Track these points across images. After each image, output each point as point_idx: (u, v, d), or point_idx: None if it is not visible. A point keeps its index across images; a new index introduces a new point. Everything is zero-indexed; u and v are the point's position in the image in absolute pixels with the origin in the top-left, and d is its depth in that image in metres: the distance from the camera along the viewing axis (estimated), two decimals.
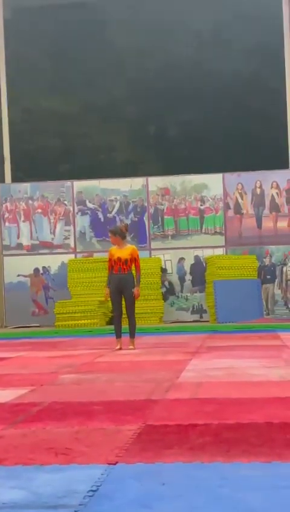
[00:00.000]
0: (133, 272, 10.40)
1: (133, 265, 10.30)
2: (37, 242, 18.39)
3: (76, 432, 4.38)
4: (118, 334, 10.37)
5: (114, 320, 10.58)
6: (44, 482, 3.30)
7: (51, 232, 18.38)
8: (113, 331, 10.58)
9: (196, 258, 17.86)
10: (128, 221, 17.95)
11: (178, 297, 17.89)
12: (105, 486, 3.21)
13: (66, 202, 18.38)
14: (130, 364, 8.20)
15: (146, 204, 18.16)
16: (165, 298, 17.66)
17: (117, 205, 18.26)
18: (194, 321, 17.40)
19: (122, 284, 10.19)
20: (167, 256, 17.92)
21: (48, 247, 18.34)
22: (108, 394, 5.88)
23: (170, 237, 18.04)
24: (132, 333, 10.35)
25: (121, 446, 3.94)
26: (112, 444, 4.01)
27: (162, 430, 4.35)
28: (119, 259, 10.21)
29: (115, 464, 3.58)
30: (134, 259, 10.29)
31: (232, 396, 5.58)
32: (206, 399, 5.45)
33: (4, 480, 3.36)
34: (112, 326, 10.99)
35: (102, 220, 18.19)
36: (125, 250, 10.29)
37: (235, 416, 4.71)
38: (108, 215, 18.21)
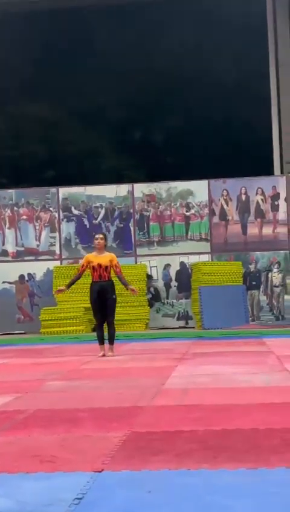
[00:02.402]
0: (113, 279, 10.42)
1: (114, 271, 10.32)
2: (22, 249, 18.34)
3: (62, 440, 4.35)
4: (101, 340, 10.38)
5: (96, 327, 10.60)
6: (29, 490, 3.27)
7: (36, 239, 18.33)
8: (96, 338, 10.59)
9: (182, 264, 17.86)
10: (113, 228, 17.95)
11: (164, 303, 17.89)
12: (91, 494, 3.19)
13: (51, 209, 18.34)
14: (116, 371, 8.18)
15: (132, 210, 18.15)
16: (150, 305, 17.64)
17: (103, 212, 18.24)
18: (180, 327, 17.39)
19: (103, 291, 10.18)
20: (152, 263, 17.91)
21: (33, 253, 18.29)
22: (94, 401, 5.86)
23: (155, 244, 18.04)
24: (111, 340, 10.35)
25: (107, 453, 3.91)
26: (98, 451, 3.99)
27: (148, 437, 4.33)
28: (99, 265, 10.19)
29: (100, 472, 3.55)
30: (114, 265, 10.29)
31: (218, 402, 5.57)
32: (193, 405, 5.43)
33: None
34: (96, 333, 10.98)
35: (87, 226, 18.17)
36: (104, 257, 10.29)
37: (221, 422, 4.70)
38: (94, 221, 18.19)
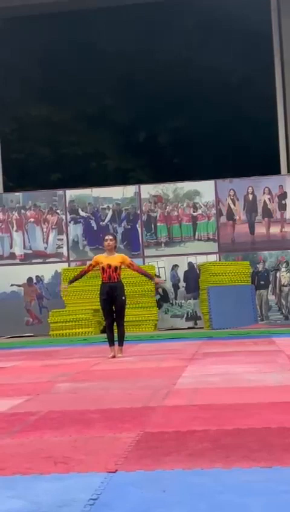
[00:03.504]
0: (123, 280, 10.47)
1: (131, 270, 10.46)
2: (30, 251, 18.36)
3: (74, 441, 4.35)
4: (111, 342, 10.38)
5: (106, 328, 10.61)
6: (43, 491, 3.27)
7: (43, 241, 18.35)
8: (107, 340, 10.59)
9: (190, 264, 17.86)
10: (121, 229, 17.96)
11: (172, 304, 17.88)
12: (105, 494, 3.19)
13: (58, 211, 18.36)
14: (126, 372, 8.17)
15: (139, 212, 18.16)
16: (159, 305, 17.64)
17: (110, 213, 18.25)
18: (188, 328, 17.38)
19: (113, 292, 10.18)
20: (160, 264, 17.91)
21: (41, 256, 18.31)
22: (105, 402, 5.85)
23: (163, 244, 18.03)
24: (121, 341, 10.36)
25: (120, 454, 3.91)
26: (111, 451, 3.98)
27: (161, 437, 4.33)
28: (109, 266, 10.19)
29: (114, 472, 3.55)
30: (128, 265, 10.32)
31: (229, 402, 5.56)
32: (204, 405, 5.42)
33: (3, 490, 3.32)
34: (106, 335, 10.98)
35: (95, 228, 18.18)
36: (114, 258, 10.30)
37: (233, 421, 4.69)
38: (101, 223, 18.20)
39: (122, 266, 10.39)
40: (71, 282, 10.96)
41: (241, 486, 3.23)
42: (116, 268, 10.21)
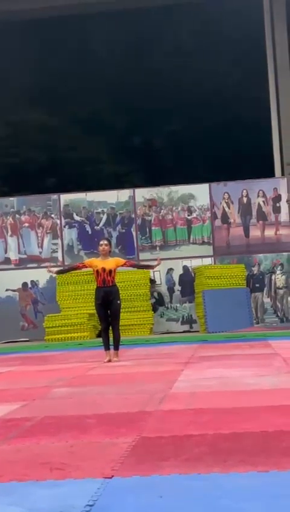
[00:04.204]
0: (118, 284, 10.50)
1: (127, 266, 10.57)
2: (25, 256, 18.34)
3: (70, 446, 4.33)
4: (107, 346, 10.37)
5: (102, 332, 10.60)
6: (40, 498, 3.25)
7: (38, 246, 18.33)
8: (102, 344, 10.59)
9: (185, 268, 17.85)
10: (116, 233, 17.96)
11: (168, 308, 17.87)
12: (102, 500, 3.17)
13: (53, 215, 18.34)
14: (122, 377, 8.15)
15: (133, 215, 18.15)
16: (154, 309, 17.63)
17: (104, 217, 18.24)
18: (184, 331, 17.37)
19: (108, 297, 10.19)
20: (155, 267, 17.86)
21: (36, 261, 18.28)
22: (101, 407, 5.83)
23: (158, 248, 18.03)
24: (116, 346, 10.35)
25: (117, 459, 3.89)
26: (107, 457, 3.96)
27: (158, 442, 4.31)
28: (103, 269, 10.19)
29: (111, 478, 3.53)
30: (124, 264, 10.37)
31: (226, 405, 5.54)
32: (201, 409, 5.40)
33: (0, 497, 3.30)
34: (101, 339, 10.96)
35: (89, 232, 18.17)
36: (109, 262, 10.30)
37: (230, 425, 4.67)
38: (95, 227, 18.19)
39: (118, 269, 10.40)
40: (59, 272, 11.41)
41: (239, 490, 3.21)
42: (110, 271, 10.21)
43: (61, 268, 11.08)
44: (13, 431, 4.95)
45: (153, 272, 17.83)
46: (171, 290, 17.92)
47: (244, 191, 18.02)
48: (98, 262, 10.31)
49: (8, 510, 3.09)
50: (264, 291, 17.68)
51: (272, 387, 6.46)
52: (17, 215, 18.44)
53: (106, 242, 10.52)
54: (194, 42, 20.00)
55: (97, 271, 10.23)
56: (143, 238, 18.09)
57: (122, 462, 3.82)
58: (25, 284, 18.19)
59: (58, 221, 18.33)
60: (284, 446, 4.01)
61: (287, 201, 17.85)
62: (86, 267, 10.52)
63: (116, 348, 10.36)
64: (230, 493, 3.18)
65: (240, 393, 6.17)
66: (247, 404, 5.53)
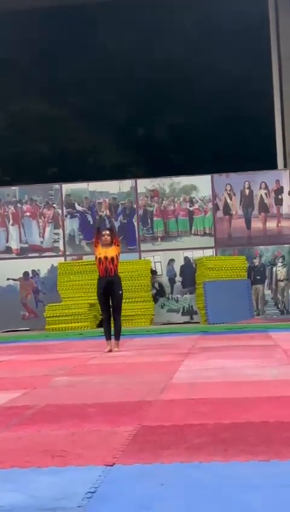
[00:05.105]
0: (120, 274, 10.51)
1: (121, 266, 10.55)
2: (26, 245, 18.33)
3: (71, 434, 4.34)
4: (108, 336, 10.39)
5: (103, 322, 10.63)
6: (41, 485, 3.26)
7: (40, 236, 18.32)
8: (104, 334, 10.61)
9: (186, 259, 17.85)
10: (117, 224, 17.94)
11: (168, 298, 17.88)
12: (103, 487, 3.18)
13: (54, 205, 18.33)
14: (122, 366, 8.17)
15: (135, 206, 18.13)
16: (155, 300, 17.63)
17: (106, 207, 18.21)
18: (184, 322, 17.38)
19: (110, 287, 10.23)
20: (156, 258, 17.90)
21: (37, 250, 18.28)
22: (102, 396, 5.84)
23: (159, 239, 18.02)
24: (117, 336, 10.37)
25: (118, 447, 3.90)
26: (109, 445, 3.98)
27: (159, 430, 4.32)
28: (105, 258, 10.24)
29: (112, 466, 3.54)
30: (117, 244, 10.44)
31: (227, 396, 5.56)
32: (201, 399, 5.42)
33: (1, 484, 3.32)
34: (102, 329, 10.99)
35: (91, 222, 18.15)
36: (110, 250, 10.34)
37: (231, 416, 4.69)
38: (97, 217, 18.16)
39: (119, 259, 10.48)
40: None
41: (240, 479, 3.23)
42: (112, 259, 10.25)
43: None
44: (14, 419, 4.97)
45: (154, 262, 17.83)
46: (172, 281, 17.92)
47: (247, 182, 17.99)
48: (101, 251, 10.36)
49: (9, 496, 3.11)
50: (265, 283, 17.68)
51: (272, 379, 6.48)
52: (18, 205, 18.43)
53: (108, 232, 10.56)
54: (198, 33, 19.94)
55: (100, 259, 10.28)
56: (144, 228, 18.08)
57: (124, 450, 3.83)
58: (26, 274, 18.19)
59: (60, 211, 18.32)
60: (285, 436, 4.02)
61: (289, 193, 17.84)
62: (96, 247, 10.49)
63: (117, 338, 10.39)
64: (230, 482, 3.19)
65: (240, 384, 6.19)
66: (247, 395, 5.55)
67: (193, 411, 4.93)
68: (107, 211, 10.28)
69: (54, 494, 3.10)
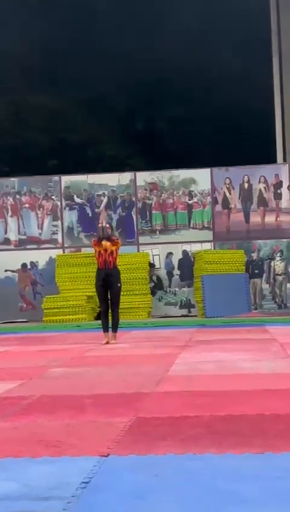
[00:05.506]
0: (119, 267, 10.52)
1: (119, 258, 10.53)
2: (25, 237, 18.32)
3: (67, 425, 4.35)
4: (105, 328, 10.41)
5: (101, 314, 10.65)
6: (36, 474, 3.27)
7: (38, 227, 18.30)
8: (101, 326, 10.63)
9: (184, 252, 17.84)
10: (116, 216, 17.94)
11: (166, 292, 17.88)
12: (97, 478, 3.19)
13: (53, 197, 18.30)
14: (119, 358, 8.18)
15: (134, 199, 18.11)
16: (153, 293, 17.63)
17: (105, 200, 18.20)
18: (182, 316, 17.38)
19: (108, 279, 10.25)
20: (155, 251, 17.89)
21: (35, 242, 18.27)
22: (98, 387, 5.85)
23: (158, 232, 18.01)
24: (115, 328, 10.39)
25: (113, 438, 3.91)
26: (104, 436, 3.98)
27: (154, 422, 4.33)
28: (105, 250, 10.26)
29: (106, 456, 3.55)
30: (117, 240, 10.45)
31: (223, 388, 5.56)
32: (197, 392, 5.43)
33: None
34: (100, 321, 11.00)
35: (90, 215, 18.14)
36: (110, 244, 10.37)
37: (226, 408, 4.69)
38: (96, 210, 18.15)
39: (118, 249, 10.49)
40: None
41: (234, 471, 3.23)
42: (112, 252, 10.28)
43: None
44: (10, 409, 4.98)
45: (153, 255, 17.82)
46: (170, 274, 17.91)
47: (246, 176, 17.97)
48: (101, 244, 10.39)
49: (3, 486, 3.11)
50: (263, 278, 17.68)
51: (268, 372, 6.49)
52: (17, 196, 18.40)
53: (108, 225, 10.65)
54: (199, 26, 19.88)
55: (99, 252, 10.32)
56: (143, 221, 18.06)
57: (119, 441, 3.84)
58: (24, 265, 18.18)
59: (59, 203, 18.29)
60: (280, 429, 4.03)
61: (288, 187, 17.83)
62: (94, 246, 10.52)
63: (115, 330, 10.40)
64: (225, 474, 3.20)
65: (236, 377, 6.20)
66: (243, 388, 5.55)
67: (189, 403, 4.93)
68: (106, 223, 10.30)
69: (48, 483, 3.11)
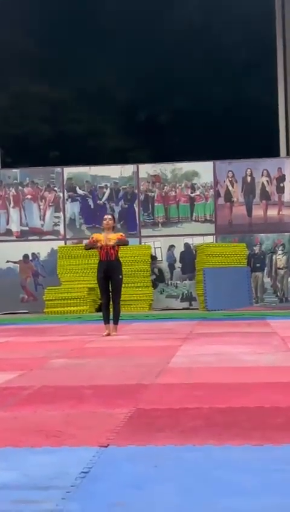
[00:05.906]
0: (120, 258, 10.50)
1: (121, 250, 10.49)
2: (27, 228, 18.32)
3: (67, 415, 4.35)
4: (106, 320, 10.42)
5: (102, 306, 10.65)
6: (35, 464, 3.27)
7: (40, 219, 18.30)
8: (102, 318, 10.63)
9: (186, 245, 17.84)
10: (118, 208, 17.93)
11: (168, 284, 17.88)
12: (97, 468, 3.19)
13: (56, 188, 18.29)
14: (120, 350, 8.18)
15: (136, 191, 18.10)
16: (154, 285, 17.64)
17: (107, 192, 18.19)
18: (183, 309, 17.39)
19: (109, 271, 10.26)
20: (156, 244, 17.89)
21: (37, 233, 18.27)
22: (98, 378, 5.86)
23: (160, 224, 18.00)
24: (116, 320, 10.39)
25: (113, 429, 3.91)
26: (103, 427, 3.99)
27: (154, 413, 4.33)
28: (107, 243, 10.25)
29: (106, 447, 3.55)
30: (120, 236, 10.43)
31: (223, 381, 5.56)
32: (198, 384, 5.43)
33: None
34: (101, 313, 11.00)
35: (92, 206, 18.14)
36: (112, 236, 10.36)
37: (226, 400, 4.69)
38: (98, 202, 18.15)
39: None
40: (87, 247, 10.79)
41: (233, 463, 3.23)
42: (114, 245, 10.27)
43: (85, 244, 10.94)
44: (10, 399, 4.98)
45: (155, 248, 17.82)
46: (171, 266, 17.92)
47: (249, 170, 17.95)
48: (102, 237, 10.38)
49: (3, 475, 3.12)
50: (265, 271, 17.68)
51: (269, 365, 6.49)
52: (19, 187, 18.40)
53: (110, 217, 10.66)
54: (203, 18, 19.82)
55: (101, 245, 10.28)
56: (145, 214, 18.05)
57: (118, 432, 3.84)
58: (25, 256, 18.19)
59: (61, 195, 18.29)
60: (280, 422, 4.03)
61: None
62: (95, 241, 10.48)
63: (116, 322, 10.41)
64: (224, 465, 3.20)
65: (237, 370, 6.20)
66: (244, 380, 5.55)
67: (189, 395, 4.94)
68: (100, 244, 10.32)
69: (47, 473, 3.11)
